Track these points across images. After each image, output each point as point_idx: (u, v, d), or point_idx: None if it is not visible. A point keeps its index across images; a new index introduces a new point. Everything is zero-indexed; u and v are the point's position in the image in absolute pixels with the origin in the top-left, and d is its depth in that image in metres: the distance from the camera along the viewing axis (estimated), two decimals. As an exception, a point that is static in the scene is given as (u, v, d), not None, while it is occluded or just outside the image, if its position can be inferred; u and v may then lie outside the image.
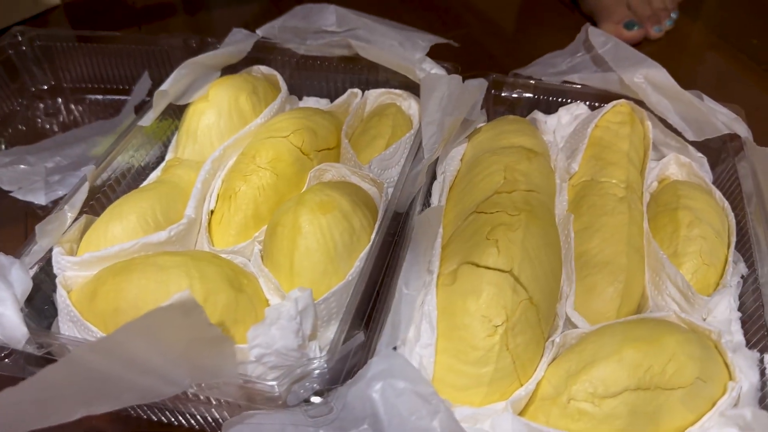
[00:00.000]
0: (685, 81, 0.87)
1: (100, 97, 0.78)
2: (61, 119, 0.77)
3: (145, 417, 0.48)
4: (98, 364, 0.36)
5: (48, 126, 0.76)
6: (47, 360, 0.43)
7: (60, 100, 0.79)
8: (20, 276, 0.46)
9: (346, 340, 0.43)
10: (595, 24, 0.92)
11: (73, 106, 0.78)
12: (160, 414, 0.48)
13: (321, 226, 0.48)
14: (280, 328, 0.40)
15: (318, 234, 0.48)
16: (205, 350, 0.38)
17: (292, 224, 0.48)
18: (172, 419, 0.48)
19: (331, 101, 0.70)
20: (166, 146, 0.65)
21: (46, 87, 0.79)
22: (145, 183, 0.59)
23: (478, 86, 0.61)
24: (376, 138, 0.59)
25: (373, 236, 0.50)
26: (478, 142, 0.57)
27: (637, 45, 0.90)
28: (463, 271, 0.46)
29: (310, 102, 0.71)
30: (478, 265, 0.45)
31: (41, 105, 0.78)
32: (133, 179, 0.61)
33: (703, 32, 0.95)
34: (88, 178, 0.54)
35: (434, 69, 0.62)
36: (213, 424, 0.47)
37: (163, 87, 0.60)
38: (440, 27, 0.95)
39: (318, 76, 0.71)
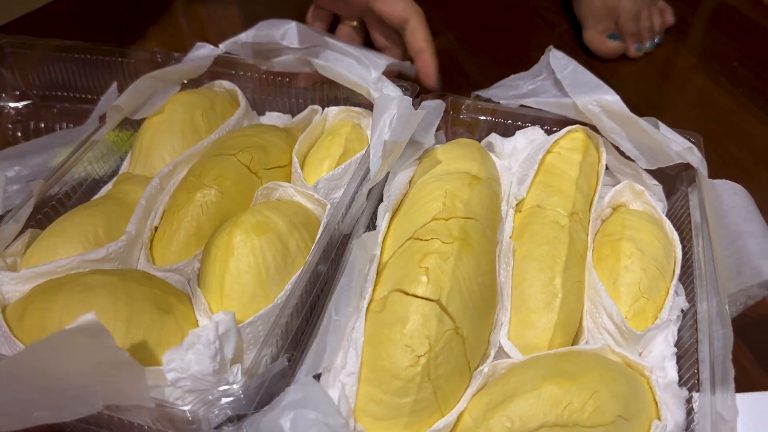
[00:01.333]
0: (662, 102, 0.86)
1: (69, 105, 0.79)
2: (31, 126, 0.78)
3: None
4: (6, 383, 0.36)
5: (19, 134, 0.77)
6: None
7: (30, 107, 0.79)
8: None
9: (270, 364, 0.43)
10: (579, 32, 0.91)
11: (42, 113, 0.78)
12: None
13: (254, 248, 0.48)
14: (196, 353, 0.40)
15: (250, 256, 0.47)
16: (115, 373, 0.38)
17: (225, 245, 0.48)
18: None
19: (293, 117, 0.70)
20: (124, 159, 0.65)
21: (18, 92, 0.80)
22: (96, 197, 0.60)
23: (433, 108, 0.61)
24: (326, 158, 0.59)
25: (308, 259, 0.50)
26: (426, 166, 0.57)
27: (617, 60, 0.90)
28: (393, 298, 0.46)
29: (271, 117, 0.71)
30: (407, 293, 0.45)
31: (11, 111, 0.79)
32: (85, 193, 0.61)
33: (685, 54, 0.94)
34: (34, 192, 0.54)
35: (390, 89, 0.62)
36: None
37: (117, 102, 0.60)
38: (418, 42, 0.94)
39: (280, 91, 0.71)
